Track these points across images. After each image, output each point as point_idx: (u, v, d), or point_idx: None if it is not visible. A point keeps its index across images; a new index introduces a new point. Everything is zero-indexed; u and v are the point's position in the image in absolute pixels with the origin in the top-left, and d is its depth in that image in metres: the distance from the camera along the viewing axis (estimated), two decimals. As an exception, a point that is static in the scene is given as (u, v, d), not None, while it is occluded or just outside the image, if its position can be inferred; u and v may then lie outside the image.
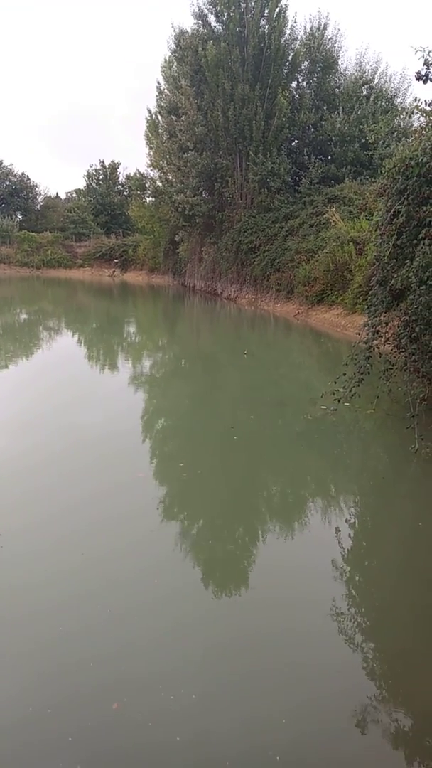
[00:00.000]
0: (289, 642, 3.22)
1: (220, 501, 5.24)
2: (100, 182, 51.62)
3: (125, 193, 50.64)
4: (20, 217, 50.15)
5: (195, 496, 5.30)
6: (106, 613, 3.34)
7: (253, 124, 22.93)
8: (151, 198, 32.34)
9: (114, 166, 51.84)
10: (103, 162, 51.63)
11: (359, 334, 8.83)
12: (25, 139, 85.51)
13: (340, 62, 24.66)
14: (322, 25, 24.58)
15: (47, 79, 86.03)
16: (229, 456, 6.34)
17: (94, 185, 51.65)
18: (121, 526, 4.50)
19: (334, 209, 18.04)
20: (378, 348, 7.66)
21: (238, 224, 23.59)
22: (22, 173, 51.09)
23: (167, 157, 26.82)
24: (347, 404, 7.85)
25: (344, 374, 7.80)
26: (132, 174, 40.87)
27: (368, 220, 16.29)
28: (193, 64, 24.94)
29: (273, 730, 2.58)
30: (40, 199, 52.66)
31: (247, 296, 22.39)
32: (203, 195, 26.28)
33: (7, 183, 50.35)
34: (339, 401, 7.69)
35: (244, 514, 5.03)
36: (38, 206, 51.89)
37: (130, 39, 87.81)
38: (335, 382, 7.98)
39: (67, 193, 56.00)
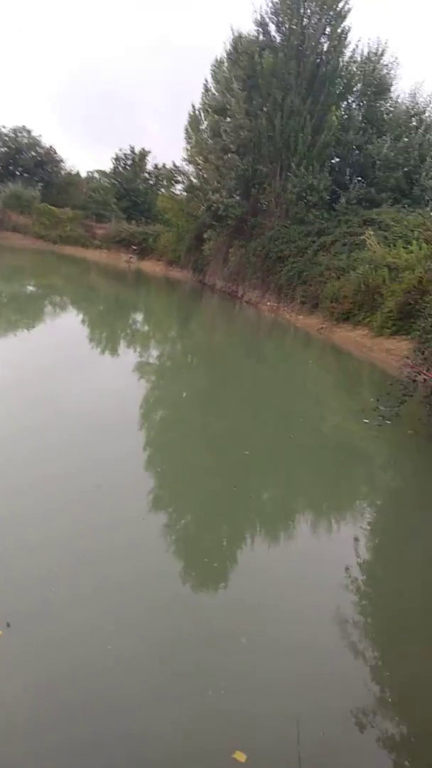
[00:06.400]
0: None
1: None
2: (128, 167, 51.59)
3: (151, 182, 50.75)
4: (40, 189, 49.83)
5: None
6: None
7: (299, 136, 23.26)
8: (182, 192, 32.48)
9: (144, 154, 51.88)
10: (133, 148, 51.61)
11: (407, 357, 9.19)
12: (56, 116, 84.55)
13: (392, 90, 25.10)
14: (380, 52, 25.02)
15: (79, 61, 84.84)
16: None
17: (121, 169, 51.61)
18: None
19: (371, 232, 18.43)
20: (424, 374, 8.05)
21: (270, 232, 23.91)
22: (50, 146, 50.93)
23: (206, 155, 27.02)
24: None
25: (387, 393, 8.18)
26: (160, 165, 40.68)
27: (405, 248, 16.77)
28: (248, 69, 25.24)
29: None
30: (63, 174, 52.45)
31: (269, 303, 22.71)
32: (238, 198, 26.55)
33: (34, 153, 50.14)
34: (383, 418, 8.03)
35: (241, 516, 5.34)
36: (60, 181, 51.67)
37: (165, 30, 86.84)
38: (377, 400, 8.34)
39: (88, 173, 55.73)
